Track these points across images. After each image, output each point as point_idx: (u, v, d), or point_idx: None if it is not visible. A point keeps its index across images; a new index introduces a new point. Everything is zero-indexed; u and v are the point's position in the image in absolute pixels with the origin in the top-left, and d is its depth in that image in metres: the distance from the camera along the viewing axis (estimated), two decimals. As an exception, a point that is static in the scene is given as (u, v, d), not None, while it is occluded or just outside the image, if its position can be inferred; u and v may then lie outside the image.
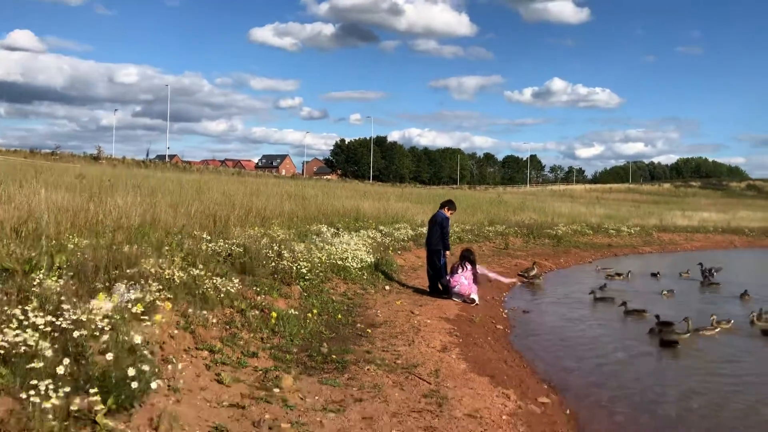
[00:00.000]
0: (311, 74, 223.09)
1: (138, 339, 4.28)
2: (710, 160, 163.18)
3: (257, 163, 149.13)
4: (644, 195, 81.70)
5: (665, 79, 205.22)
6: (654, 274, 17.96)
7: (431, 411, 5.38)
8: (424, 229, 19.12)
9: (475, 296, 11.28)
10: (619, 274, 17.37)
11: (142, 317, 4.87)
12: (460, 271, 11.23)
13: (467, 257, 11.46)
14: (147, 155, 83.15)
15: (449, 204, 12.14)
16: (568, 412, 6.32)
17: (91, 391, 3.63)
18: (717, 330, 10.37)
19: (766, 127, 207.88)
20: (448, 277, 11.34)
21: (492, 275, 12.51)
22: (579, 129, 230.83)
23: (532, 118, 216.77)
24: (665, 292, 14.56)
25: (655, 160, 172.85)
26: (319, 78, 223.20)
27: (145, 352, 4.31)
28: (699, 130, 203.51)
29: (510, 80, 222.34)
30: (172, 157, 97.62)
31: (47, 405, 3.28)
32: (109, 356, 3.94)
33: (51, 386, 3.38)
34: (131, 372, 3.81)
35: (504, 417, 5.53)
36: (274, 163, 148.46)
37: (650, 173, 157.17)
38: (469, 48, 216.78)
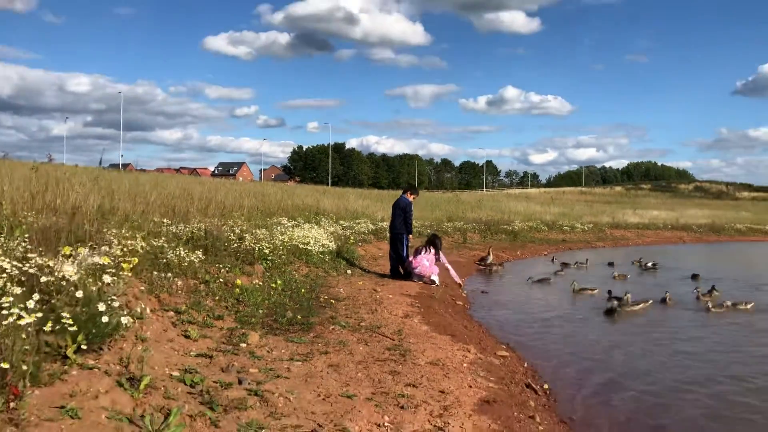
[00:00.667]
0: (267, 83, 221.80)
1: (108, 278, 4.34)
2: (659, 164, 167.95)
3: (213, 171, 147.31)
4: (597, 197, 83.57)
5: (614, 86, 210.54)
6: (610, 263, 18.61)
7: (395, 360, 5.55)
8: (385, 224, 19.40)
9: (435, 278, 11.49)
10: (580, 263, 18.26)
11: (107, 270, 4.90)
12: (423, 252, 11.45)
13: (433, 242, 11.68)
14: (100, 164, 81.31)
15: (411, 188, 12.35)
16: (525, 365, 6.58)
17: (62, 323, 3.67)
18: (650, 302, 10.97)
19: (710, 133, 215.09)
20: (410, 258, 11.53)
21: (450, 269, 12.36)
22: (533, 136, 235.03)
23: (487, 126, 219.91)
24: (617, 275, 15.33)
25: (607, 164, 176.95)
26: (275, 86, 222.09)
27: (113, 297, 4.35)
28: (647, 135, 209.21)
29: (465, 88, 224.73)
30: (126, 165, 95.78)
31: (23, 322, 3.33)
32: (79, 293, 3.99)
33: (23, 312, 3.41)
34: (101, 307, 3.87)
35: (465, 365, 5.74)
36: (230, 171, 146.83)
37: (602, 177, 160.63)
38: (424, 57, 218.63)
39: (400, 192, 13.10)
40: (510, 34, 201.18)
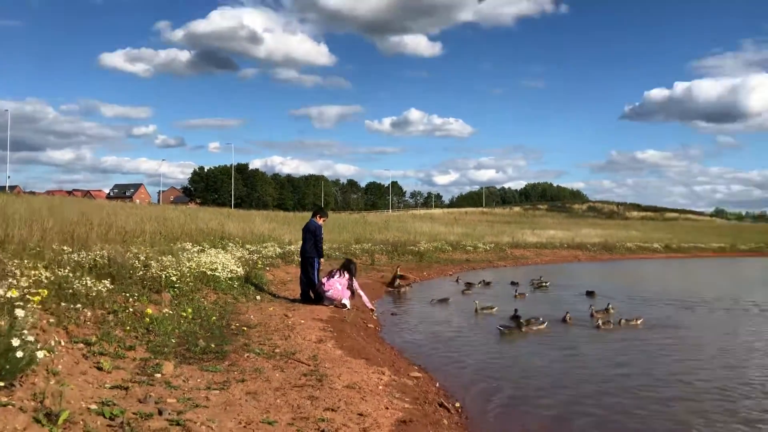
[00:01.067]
0: (166, 101, 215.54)
1: (20, 312, 4.22)
2: (555, 185, 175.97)
3: (109, 193, 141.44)
4: (497, 217, 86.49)
5: (512, 110, 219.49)
6: (513, 283, 19.44)
7: (312, 385, 5.65)
8: (293, 247, 19.40)
9: (346, 302, 11.63)
10: (485, 282, 19.20)
11: (16, 304, 4.76)
12: (336, 276, 11.57)
13: (348, 266, 11.83)
14: (-16, 187, 76.46)
15: (320, 211, 12.47)
16: (437, 385, 6.84)
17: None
18: (546, 324, 11.40)
19: (602, 155, 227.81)
20: (323, 280, 11.62)
21: (363, 295, 12.31)
22: (436, 157, 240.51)
23: (392, 147, 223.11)
24: (517, 294, 16.15)
25: (506, 185, 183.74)
26: (175, 105, 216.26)
27: (25, 331, 4.24)
28: (543, 157, 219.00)
29: (369, 110, 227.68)
30: (13, 187, 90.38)
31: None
32: (-10, 329, 3.88)
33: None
34: (15, 342, 3.78)
35: (380, 387, 5.92)
36: (127, 193, 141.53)
37: (502, 198, 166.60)
38: (328, 77, 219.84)
39: (307, 214, 13.24)
40: (413, 57, 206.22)
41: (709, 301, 16.39)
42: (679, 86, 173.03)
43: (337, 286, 11.51)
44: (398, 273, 17.77)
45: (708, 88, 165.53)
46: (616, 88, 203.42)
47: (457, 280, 20.02)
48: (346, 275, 11.66)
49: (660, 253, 48.62)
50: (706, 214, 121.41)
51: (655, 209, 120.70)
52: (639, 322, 11.84)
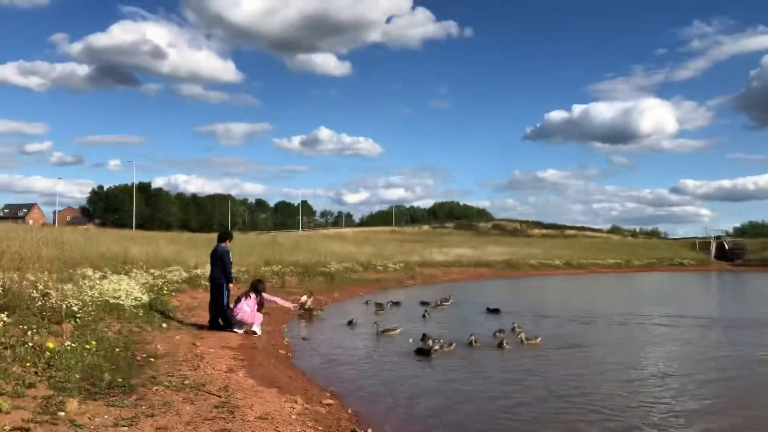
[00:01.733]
0: (62, 117, 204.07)
1: None
2: (461, 203, 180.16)
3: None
4: (406, 236, 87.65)
5: (420, 130, 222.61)
6: (423, 302, 19.88)
7: (224, 417, 5.61)
8: (199, 271, 18.99)
9: (257, 328, 11.55)
10: (396, 302, 19.65)
11: None
12: (243, 299, 11.46)
13: (255, 287, 11.77)
14: None
15: (226, 235, 12.34)
16: (349, 411, 6.92)
17: None
18: (453, 346, 11.60)
19: (505, 175, 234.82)
20: (231, 305, 11.48)
21: (278, 300, 12.65)
22: (346, 176, 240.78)
23: (301, 165, 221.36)
24: (426, 314, 16.54)
25: (415, 204, 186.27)
26: (72, 121, 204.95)
27: None
28: (450, 176, 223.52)
29: (278, 127, 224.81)
30: None
31: None
32: None
33: None
34: None
35: (293, 416, 5.95)
36: (19, 213, 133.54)
37: (411, 216, 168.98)
38: (235, 94, 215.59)
39: (213, 236, 13.03)
40: (322, 76, 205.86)
41: (607, 316, 17.44)
42: (577, 108, 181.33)
43: (245, 309, 11.41)
44: (308, 300, 17.66)
45: (603, 111, 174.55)
46: (518, 110, 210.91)
47: (366, 303, 20.14)
48: (253, 296, 11.58)
49: (561, 269, 50.77)
50: (603, 231, 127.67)
51: (555, 227, 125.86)
52: (537, 340, 12.35)
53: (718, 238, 78.69)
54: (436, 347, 11.19)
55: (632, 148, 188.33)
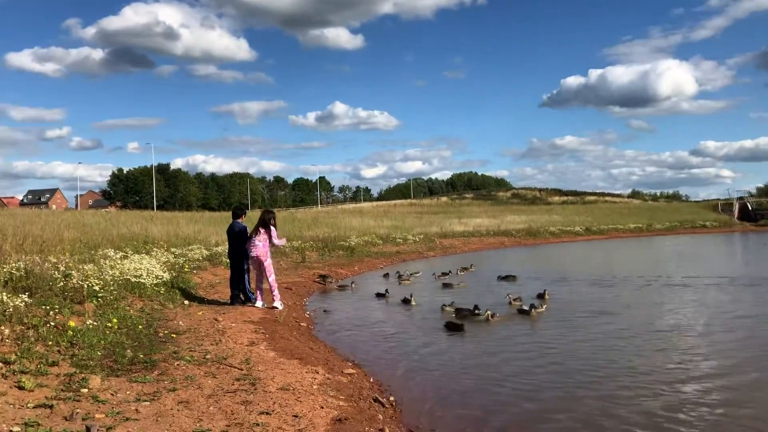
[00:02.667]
0: (80, 102, 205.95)
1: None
2: (479, 174, 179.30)
3: (22, 200, 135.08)
4: (425, 208, 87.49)
5: (435, 101, 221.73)
6: (444, 273, 19.89)
7: (245, 390, 5.61)
8: (220, 249, 19.07)
9: (278, 303, 11.55)
10: (414, 273, 19.51)
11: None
12: (255, 236, 11.45)
13: (263, 219, 11.61)
14: None
15: (240, 210, 12.31)
16: (372, 380, 6.91)
17: None
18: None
19: (522, 143, 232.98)
20: (247, 245, 11.52)
21: (277, 241, 12.03)
22: (362, 150, 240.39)
23: (317, 142, 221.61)
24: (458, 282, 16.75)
25: (433, 176, 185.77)
26: (90, 106, 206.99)
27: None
28: (467, 147, 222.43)
29: (293, 105, 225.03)
30: None
31: None
32: None
33: None
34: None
35: (315, 386, 5.93)
36: (42, 199, 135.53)
37: (429, 189, 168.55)
38: (249, 73, 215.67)
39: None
40: (335, 51, 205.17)
41: (629, 279, 17.30)
42: (593, 73, 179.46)
43: (257, 244, 11.37)
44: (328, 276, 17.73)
45: (620, 75, 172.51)
46: (534, 77, 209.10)
47: (385, 275, 19.97)
48: (262, 231, 11.48)
49: (581, 235, 50.41)
50: (623, 196, 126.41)
51: (575, 193, 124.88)
52: (543, 308, 12.07)
53: (740, 198, 77.54)
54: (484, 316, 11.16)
55: (651, 111, 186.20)
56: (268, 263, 11.47)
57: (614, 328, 10.26)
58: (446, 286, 16.67)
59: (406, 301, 13.39)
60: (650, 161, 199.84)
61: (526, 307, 11.88)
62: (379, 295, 14.68)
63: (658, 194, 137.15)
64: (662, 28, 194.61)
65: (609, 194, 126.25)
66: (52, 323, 6.91)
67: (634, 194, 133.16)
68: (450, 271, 20.00)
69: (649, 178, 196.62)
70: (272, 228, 11.58)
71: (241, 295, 11.70)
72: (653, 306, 12.85)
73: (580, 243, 44.16)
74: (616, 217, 65.50)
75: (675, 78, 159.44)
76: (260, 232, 11.46)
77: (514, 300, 12.84)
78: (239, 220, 11.99)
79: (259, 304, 11.43)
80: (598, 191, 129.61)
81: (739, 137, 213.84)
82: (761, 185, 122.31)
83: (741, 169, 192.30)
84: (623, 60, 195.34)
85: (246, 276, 11.73)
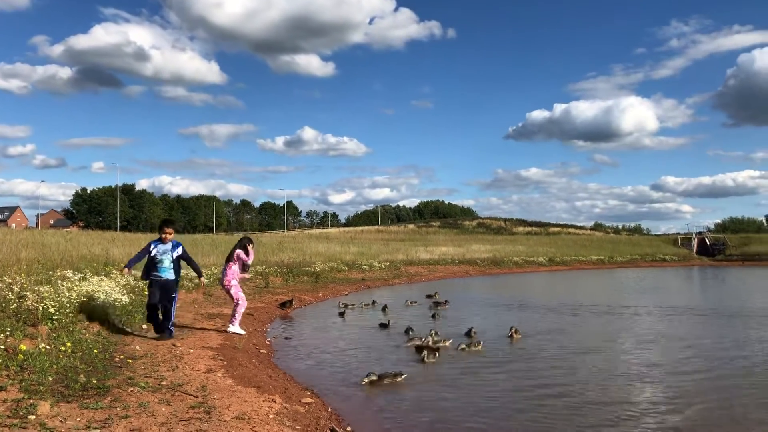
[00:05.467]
0: (45, 120, 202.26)
1: None
2: (446, 202, 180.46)
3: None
4: (392, 234, 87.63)
5: (404, 130, 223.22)
6: (413, 302, 20.03)
7: (200, 418, 5.52)
8: (182, 272, 18.79)
9: (235, 329, 11.45)
10: (366, 304, 19.09)
11: None
12: (226, 267, 11.62)
13: (237, 246, 11.65)
14: None
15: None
16: (329, 409, 6.85)
17: None
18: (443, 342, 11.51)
19: (488, 174, 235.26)
20: (223, 277, 11.61)
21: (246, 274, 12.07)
22: (331, 176, 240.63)
23: (285, 166, 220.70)
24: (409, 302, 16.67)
25: (400, 203, 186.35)
26: (55, 124, 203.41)
27: None
28: (435, 176, 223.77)
29: (262, 129, 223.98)
30: None
31: None
32: None
33: None
34: None
35: (271, 416, 5.86)
36: (1, 217, 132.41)
37: (396, 216, 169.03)
38: (219, 96, 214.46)
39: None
40: (306, 77, 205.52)
41: (587, 307, 17.57)
42: (558, 108, 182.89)
43: (234, 283, 11.54)
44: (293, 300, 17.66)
45: (584, 110, 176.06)
46: (500, 109, 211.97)
47: (342, 306, 18.46)
48: (233, 264, 11.57)
49: (545, 266, 50.99)
50: (586, 228, 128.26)
51: (539, 224, 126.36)
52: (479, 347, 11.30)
53: (699, 233, 79.35)
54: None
55: (614, 146, 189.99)
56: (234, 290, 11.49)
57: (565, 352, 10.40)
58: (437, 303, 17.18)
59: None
60: (612, 194, 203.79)
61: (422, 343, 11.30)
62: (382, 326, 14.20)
63: (620, 227, 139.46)
64: (624, 66, 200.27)
65: (572, 226, 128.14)
66: (2, 346, 6.73)
67: (597, 227, 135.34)
68: (416, 301, 20.04)
69: (611, 211, 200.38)
70: (236, 252, 11.55)
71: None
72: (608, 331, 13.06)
73: (543, 273, 44.62)
74: (579, 249, 66.40)
75: (637, 114, 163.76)
76: (234, 260, 11.48)
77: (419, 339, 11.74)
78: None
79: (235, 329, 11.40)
80: (561, 223, 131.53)
81: (697, 174, 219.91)
82: (719, 221, 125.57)
83: (699, 205, 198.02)
84: (587, 95, 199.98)
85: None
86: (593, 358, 10.50)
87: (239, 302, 11.52)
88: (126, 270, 10.52)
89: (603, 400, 7.63)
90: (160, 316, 10.16)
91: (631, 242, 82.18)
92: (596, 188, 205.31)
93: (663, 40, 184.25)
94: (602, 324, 15.16)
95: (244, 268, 11.67)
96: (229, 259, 11.65)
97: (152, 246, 10.21)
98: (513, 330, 12.49)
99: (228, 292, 11.54)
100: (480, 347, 11.18)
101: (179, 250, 10.31)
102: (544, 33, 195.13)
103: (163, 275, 10.06)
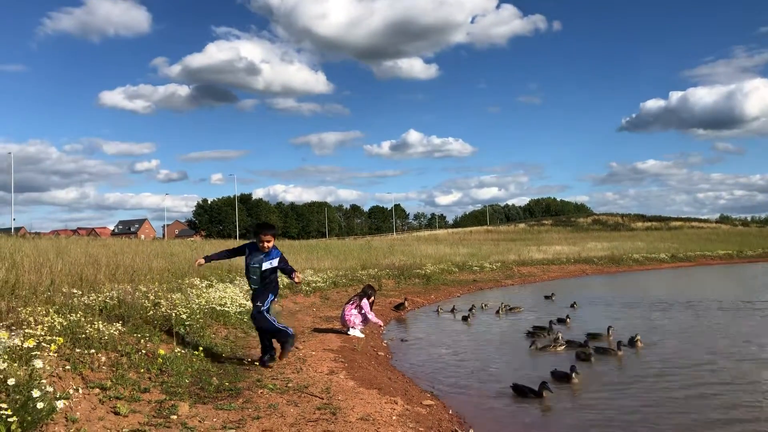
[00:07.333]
0: (167, 136, 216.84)
1: (39, 363, 4.31)
2: (558, 199, 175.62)
3: (113, 230, 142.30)
4: (502, 234, 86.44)
5: (510, 127, 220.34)
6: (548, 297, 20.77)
7: (326, 419, 5.70)
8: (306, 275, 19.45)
9: (354, 331, 11.72)
10: (484, 305, 18.83)
11: (33, 354, 4.85)
12: (348, 303, 12.10)
13: (363, 296, 12.10)
14: (-9, 229, 76.79)
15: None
16: (450, 411, 6.87)
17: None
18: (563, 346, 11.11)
19: (602, 168, 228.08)
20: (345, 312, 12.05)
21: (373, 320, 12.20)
22: (437, 178, 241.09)
23: (392, 170, 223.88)
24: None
25: (509, 202, 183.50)
26: (176, 139, 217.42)
27: (44, 381, 4.32)
28: (545, 172, 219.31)
29: (368, 134, 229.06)
30: (18, 229, 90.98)
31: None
32: (11, 381, 3.96)
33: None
34: (35, 393, 3.86)
35: (394, 417, 5.96)
36: (132, 229, 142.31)
37: (506, 215, 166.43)
38: (326, 105, 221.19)
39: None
40: (409, 80, 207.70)
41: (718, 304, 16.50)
42: (675, 96, 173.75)
43: (346, 312, 11.96)
44: (405, 301, 17.95)
45: (703, 96, 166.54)
46: (612, 101, 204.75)
47: (453, 310, 17.79)
48: (356, 301, 11.97)
49: (667, 262, 48.52)
50: (711, 221, 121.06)
51: (659, 219, 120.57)
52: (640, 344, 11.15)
53: (843, 222, 72.70)
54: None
55: (738, 133, 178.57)
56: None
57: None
58: (560, 321, 14.83)
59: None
60: (739, 184, 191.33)
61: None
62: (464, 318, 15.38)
63: (749, 219, 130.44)
64: (747, 47, 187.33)
65: (695, 219, 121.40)
66: (143, 351, 7.23)
67: (723, 219, 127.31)
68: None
69: (738, 202, 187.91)
70: (364, 300, 11.99)
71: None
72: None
73: (666, 270, 42.48)
74: (704, 243, 62.76)
75: (763, 97, 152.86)
76: (354, 302, 11.97)
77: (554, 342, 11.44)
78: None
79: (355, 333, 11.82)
80: (683, 216, 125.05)
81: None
82: None
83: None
84: (706, 81, 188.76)
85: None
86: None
87: (379, 323, 12.31)
88: (201, 260, 8.70)
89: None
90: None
91: (763, 234, 76.76)
92: (720, 178, 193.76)
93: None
94: (745, 322, 14.23)
95: (364, 319, 11.95)
96: (350, 301, 12.13)
97: (247, 251, 8.44)
98: (637, 338, 11.62)
99: (353, 327, 11.85)
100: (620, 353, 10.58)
101: (274, 261, 8.15)
102: (654, 18, 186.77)
103: (253, 287, 8.53)
